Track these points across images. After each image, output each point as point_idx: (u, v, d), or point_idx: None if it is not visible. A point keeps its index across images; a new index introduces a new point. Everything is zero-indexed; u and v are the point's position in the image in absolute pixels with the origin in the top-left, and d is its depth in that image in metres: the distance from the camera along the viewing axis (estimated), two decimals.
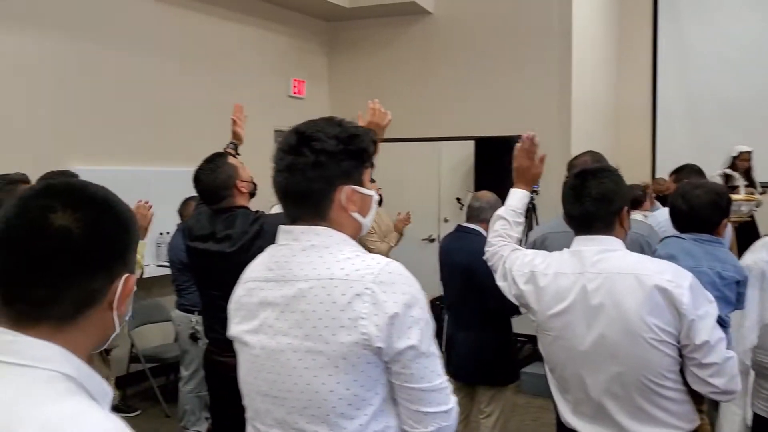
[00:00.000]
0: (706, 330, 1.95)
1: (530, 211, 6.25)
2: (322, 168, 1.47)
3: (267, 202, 4.40)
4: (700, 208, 2.59)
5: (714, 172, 5.55)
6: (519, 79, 6.80)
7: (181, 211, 4.69)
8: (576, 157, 3.27)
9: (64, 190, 0.98)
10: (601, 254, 2.06)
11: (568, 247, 2.20)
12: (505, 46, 6.88)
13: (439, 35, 7.16)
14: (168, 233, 5.23)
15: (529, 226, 6.29)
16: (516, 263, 2.31)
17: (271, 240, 2.75)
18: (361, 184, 1.54)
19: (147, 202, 3.42)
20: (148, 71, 5.58)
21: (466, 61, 7.02)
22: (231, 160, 2.98)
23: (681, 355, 2.01)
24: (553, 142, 6.67)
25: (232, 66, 6.38)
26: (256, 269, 1.58)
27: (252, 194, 3.07)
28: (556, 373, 2.25)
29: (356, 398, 1.41)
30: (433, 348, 1.45)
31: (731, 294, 2.51)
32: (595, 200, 2.09)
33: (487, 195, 3.79)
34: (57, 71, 4.93)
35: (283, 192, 1.52)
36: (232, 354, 2.79)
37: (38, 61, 4.81)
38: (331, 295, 1.41)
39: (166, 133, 5.74)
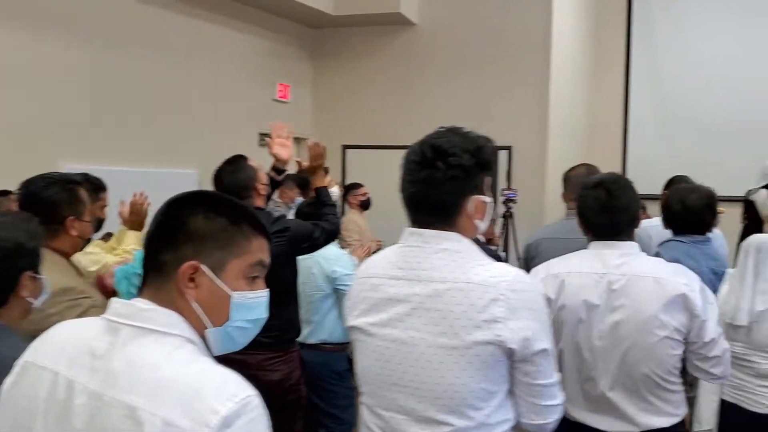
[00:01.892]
0: (713, 328, 2.19)
1: (507, 218, 6.46)
2: (457, 182, 1.60)
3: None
4: (696, 210, 2.91)
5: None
6: (500, 90, 7.00)
7: None
8: (572, 169, 3.46)
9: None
10: (623, 257, 2.23)
11: (561, 253, 2.38)
12: (486, 58, 7.08)
13: (423, 46, 7.35)
14: None
15: (506, 233, 6.49)
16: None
17: (295, 242, 2.91)
18: (483, 193, 1.65)
19: (142, 194, 3.39)
20: (136, 73, 5.65)
21: (448, 72, 7.22)
22: (251, 162, 3.02)
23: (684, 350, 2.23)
24: (532, 153, 6.89)
25: (218, 69, 6.48)
26: (378, 266, 1.70)
27: (268, 197, 3.12)
28: (563, 367, 2.34)
29: (484, 391, 1.56)
30: (552, 347, 1.63)
31: (718, 285, 2.79)
32: (622, 210, 2.27)
33: None
34: (50, 73, 5.00)
35: (417, 202, 1.64)
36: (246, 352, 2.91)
37: (31, 62, 4.87)
38: (469, 298, 1.54)
39: (154, 135, 5.82)
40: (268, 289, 1.26)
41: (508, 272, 1.58)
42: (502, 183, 6.82)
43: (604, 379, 2.23)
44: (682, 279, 2.17)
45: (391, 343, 1.62)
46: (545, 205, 6.77)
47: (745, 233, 6.65)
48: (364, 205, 6.05)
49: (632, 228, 2.30)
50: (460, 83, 7.15)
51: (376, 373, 1.65)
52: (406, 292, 1.61)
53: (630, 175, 8.18)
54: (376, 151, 7.44)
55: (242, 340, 1.24)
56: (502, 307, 1.53)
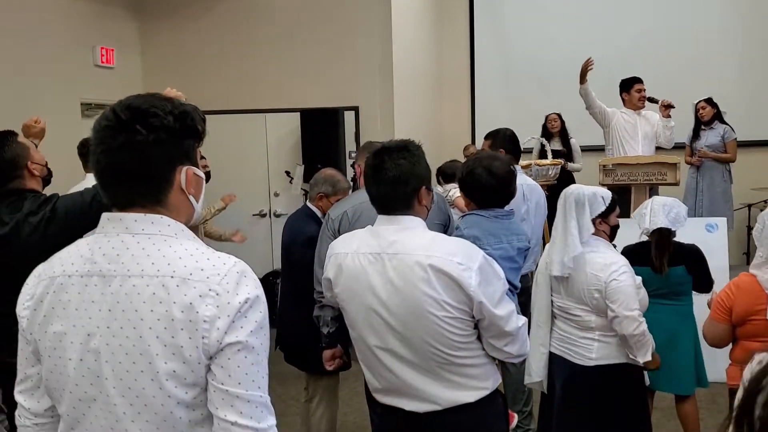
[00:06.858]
0: (498, 306, 2.07)
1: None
2: (164, 146, 1.33)
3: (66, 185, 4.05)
4: (503, 178, 2.61)
5: (526, 138, 5.90)
6: (341, 49, 6.73)
7: None
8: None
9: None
10: (397, 234, 2.10)
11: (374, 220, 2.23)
12: (325, 16, 6.76)
13: (258, 4, 6.92)
14: None
15: None
16: (327, 252, 2.33)
17: (64, 224, 2.53)
18: (196, 165, 1.41)
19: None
20: None
21: (287, 31, 6.83)
22: (21, 139, 2.78)
23: (476, 326, 2.12)
24: (377, 111, 6.74)
25: (30, 37, 5.74)
26: (68, 261, 1.39)
27: (47, 181, 2.91)
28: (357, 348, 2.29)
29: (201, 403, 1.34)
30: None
31: (522, 261, 2.64)
32: (392, 182, 2.11)
33: (325, 172, 3.66)
34: None
35: (115, 173, 1.35)
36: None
37: None
38: (171, 295, 1.28)
39: None
40: None
41: (222, 264, 1.33)
42: (350, 145, 6.64)
43: (392, 359, 2.14)
44: (457, 257, 2.03)
45: (88, 353, 1.33)
46: None
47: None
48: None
49: (408, 201, 2.13)
50: (300, 44, 6.79)
51: (71, 392, 1.36)
52: (102, 292, 1.32)
53: (478, 129, 8.35)
54: (218, 116, 7.00)
55: None
56: (210, 305, 1.28)
